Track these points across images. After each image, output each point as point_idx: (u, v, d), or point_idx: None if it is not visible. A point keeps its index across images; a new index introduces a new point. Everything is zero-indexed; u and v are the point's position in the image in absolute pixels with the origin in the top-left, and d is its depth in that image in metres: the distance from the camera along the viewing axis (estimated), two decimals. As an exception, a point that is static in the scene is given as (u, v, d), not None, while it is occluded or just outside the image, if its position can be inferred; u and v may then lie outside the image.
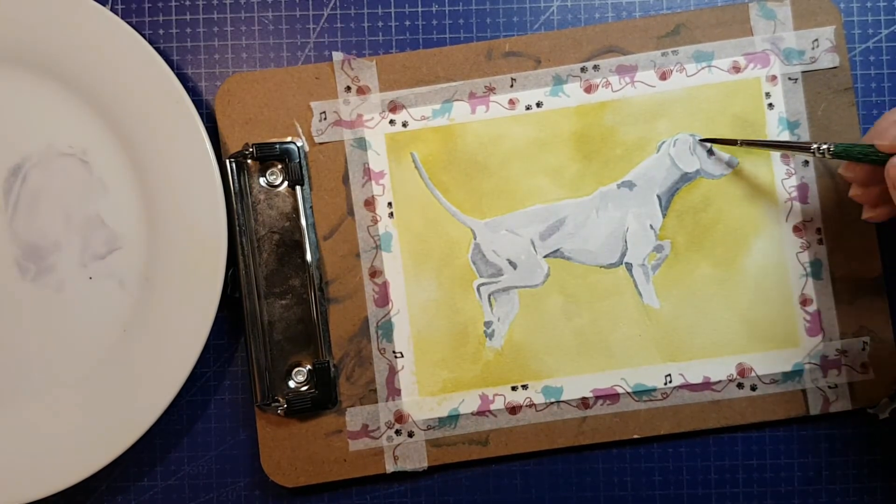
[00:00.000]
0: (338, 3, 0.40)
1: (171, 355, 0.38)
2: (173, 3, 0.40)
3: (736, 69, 0.39)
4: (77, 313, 0.39)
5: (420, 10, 0.40)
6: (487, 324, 0.39)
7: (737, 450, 0.40)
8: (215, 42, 0.40)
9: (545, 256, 0.39)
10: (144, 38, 0.38)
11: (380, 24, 0.40)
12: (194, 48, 0.40)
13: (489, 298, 0.39)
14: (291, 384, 0.39)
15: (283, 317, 0.39)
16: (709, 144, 0.39)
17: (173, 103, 0.38)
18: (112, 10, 0.40)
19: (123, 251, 0.39)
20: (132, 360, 0.38)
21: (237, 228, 0.38)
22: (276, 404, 0.38)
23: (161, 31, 0.40)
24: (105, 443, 0.38)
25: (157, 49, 0.39)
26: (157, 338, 0.38)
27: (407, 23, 0.40)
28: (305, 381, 0.39)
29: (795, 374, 0.39)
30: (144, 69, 0.38)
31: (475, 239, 0.39)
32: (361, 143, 0.40)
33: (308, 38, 0.40)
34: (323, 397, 0.38)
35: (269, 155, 0.39)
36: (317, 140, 0.39)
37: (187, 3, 0.40)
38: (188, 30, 0.40)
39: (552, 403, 0.39)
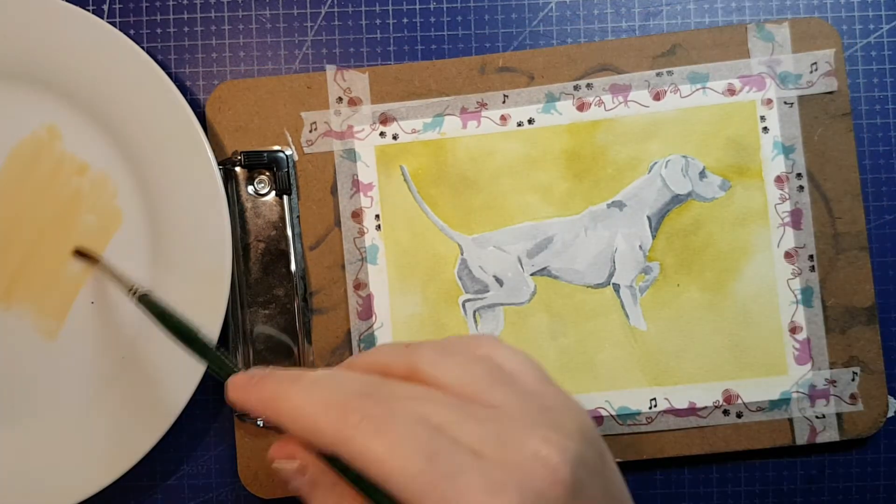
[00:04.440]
0: (335, 2, 0.40)
1: (168, 385, 0.38)
2: (171, 3, 0.40)
3: (731, 91, 0.39)
4: (79, 336, 0.39)
5: (418, 7, 0.40)
6: (472, 340, 0.39)
7: (713, 477, 0.39)
8: (212, 41, 0.40)
9: (532, 274, 0.39)
10: (142, 40, 0.38)
11: (377, 21, 0.40)
12: (192, 47, 0.40)
13: (474, 315, 0.39)
14: (272, 395, 0.39)
15: (265, 326, 0.39)
16: (701, 166, 0.39)
17: (178, 122, 0.37)
18: (110, 9, 0.40)
19: (126, 271, 0.39)
20: (135, 380, 0.38)
21: (223, 236, 0.38)
22: (255, 415, 0.38)
23: (158, 31, 0.40)
24: (104, 465, 0.38)
25: (154, 51, 0.40)
26: (157, 363, 0.38)
27: (405, 20, 0.40)
28: (286, 392, 0.39)
29: (782, 402, 0.38)
30: (143, 78, 0.38)
31: (462, 254, 0.39)
32: (351, 155, 0.39)
33: (305, 37, 0.40)
34: (302, 409, 0.38)
35: (256, 163, 0.38)
36: (306, 150, 0.39)
37: (185, 2, 0.40)
38: (185, 28, 0.40)
39: (534, 423, 0.39)
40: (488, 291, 0.39)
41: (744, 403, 0.38)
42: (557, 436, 0.23)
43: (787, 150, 0.39)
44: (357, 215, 0.39)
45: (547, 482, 0.22)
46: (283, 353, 0.39)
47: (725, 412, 0.38)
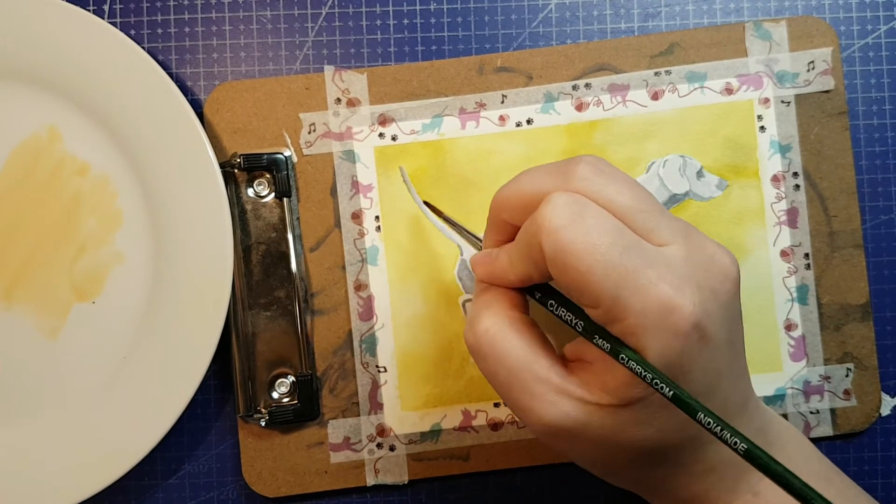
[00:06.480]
0: (336, 2, 0.40)
1: (169, 386, 0.38)
2: (171, 3, 0.40)
3: (728, 91, 0.39)
4: (80, 336, 0.39)
5: (418, 8, 0.40)
6: (472, 339, 0.39)
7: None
8: (213, 41, 0.40)
9: (531, 274, 0.39)
10: (142, 40, 0.38)
11: (377, 22, 0.40)
12: (192, 48, 0.40)
13: (474, 314, 0.39)
14: (274, 395, 0.39)
15: (267, 328, 0.39)
16: (699, 165, 0.39)
17: (179, 122, 0.38)
18: (110, 9, 0.40)
19: (127, 273, 0.39)
20: (136, 380, 0.39)
21: (224, 238, 0.38)
22: (259, 415, 0.38)
23: (159, 31, 0.40)
24: (105, 465, 0.38)
25: (154, 51, 0.39)
26: (159, 364, 0.38)
27: (405, 21, 0.40)
28: (288, 392, 0.39)
29: (777, 398, 0.39)
30: (143, 79, 0.38)
31: (462, 255, 0.39)
32: (350, 156, 0.39)
33: (306, 38, 0.40)
34: (305, 409, 0.38)
35: (256, 165, 0.38)
36: (305, 151, 0.39)
37: (185, 2, 0.40)
38: (186, 29, 0.40)
39: (534, 421, 0.39)
40: (488, 291, 0.39)
41: (740, 400, 0.39)
42: (726, 250, 0.27)
43: (783, 149, 0.39)
44: (357, 216, 0.39)
45: (719, 280, 0.26)
46: (285, 355, 0.39)
47: (722, 409, 0.39)
